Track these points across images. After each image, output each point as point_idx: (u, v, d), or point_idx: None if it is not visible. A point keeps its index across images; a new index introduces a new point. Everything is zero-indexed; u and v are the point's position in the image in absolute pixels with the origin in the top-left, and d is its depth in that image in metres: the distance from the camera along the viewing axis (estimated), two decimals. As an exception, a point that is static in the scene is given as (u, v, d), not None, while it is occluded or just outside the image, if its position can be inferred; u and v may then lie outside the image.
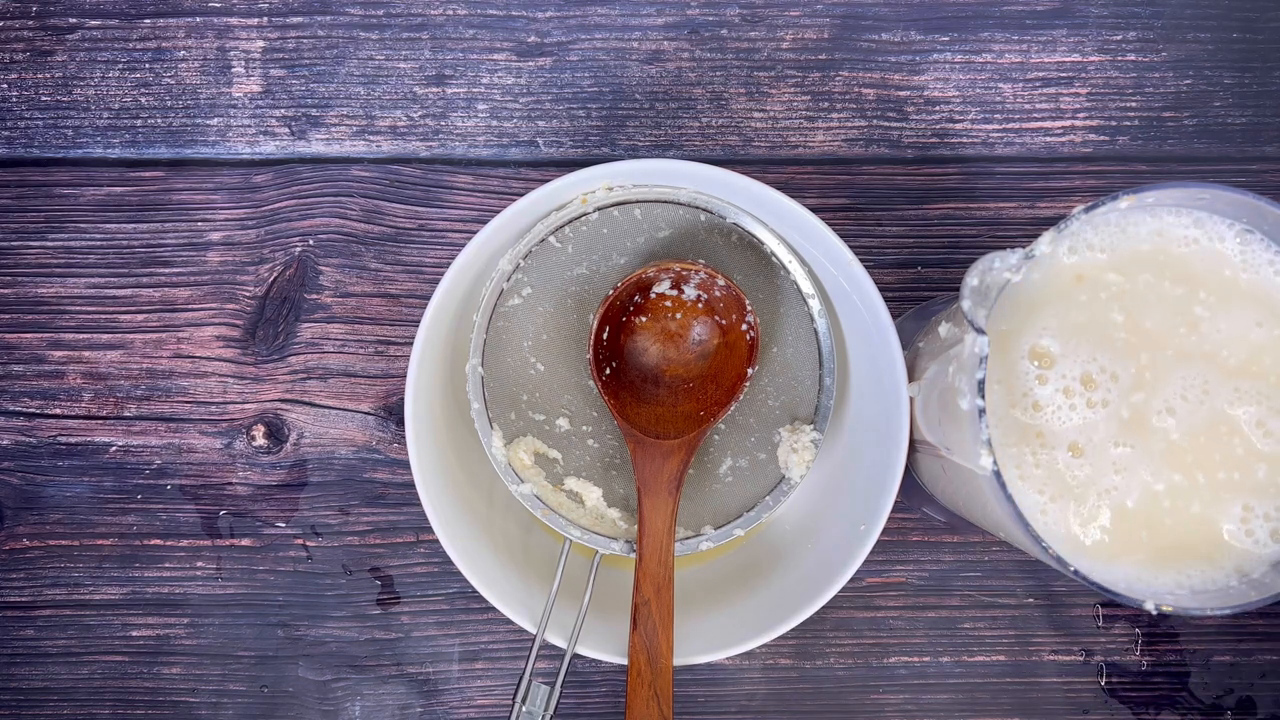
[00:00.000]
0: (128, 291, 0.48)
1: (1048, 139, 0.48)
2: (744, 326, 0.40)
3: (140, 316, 0.48)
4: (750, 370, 0.40)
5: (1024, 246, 0.32)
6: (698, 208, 0.41)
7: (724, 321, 0.41)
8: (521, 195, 0.39)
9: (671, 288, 0.41)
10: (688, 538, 0.41)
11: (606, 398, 0.40)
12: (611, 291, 0.40)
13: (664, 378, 0.42)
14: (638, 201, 0.41)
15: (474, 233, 0.39)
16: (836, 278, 0.41)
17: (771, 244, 0.41)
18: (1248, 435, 0.33)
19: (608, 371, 0.41)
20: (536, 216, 0.40)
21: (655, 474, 0.40)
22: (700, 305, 0.41)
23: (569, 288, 0.41)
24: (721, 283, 0.40)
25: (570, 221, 0.41)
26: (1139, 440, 0.33)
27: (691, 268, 0.40)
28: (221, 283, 0.48)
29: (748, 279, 0.41)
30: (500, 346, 0.41)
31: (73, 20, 0.48)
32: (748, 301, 0.40)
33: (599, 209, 0.41)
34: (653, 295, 0.41)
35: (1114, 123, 0.48)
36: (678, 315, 0.41)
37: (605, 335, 0.41)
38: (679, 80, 0.48)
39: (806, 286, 0.41)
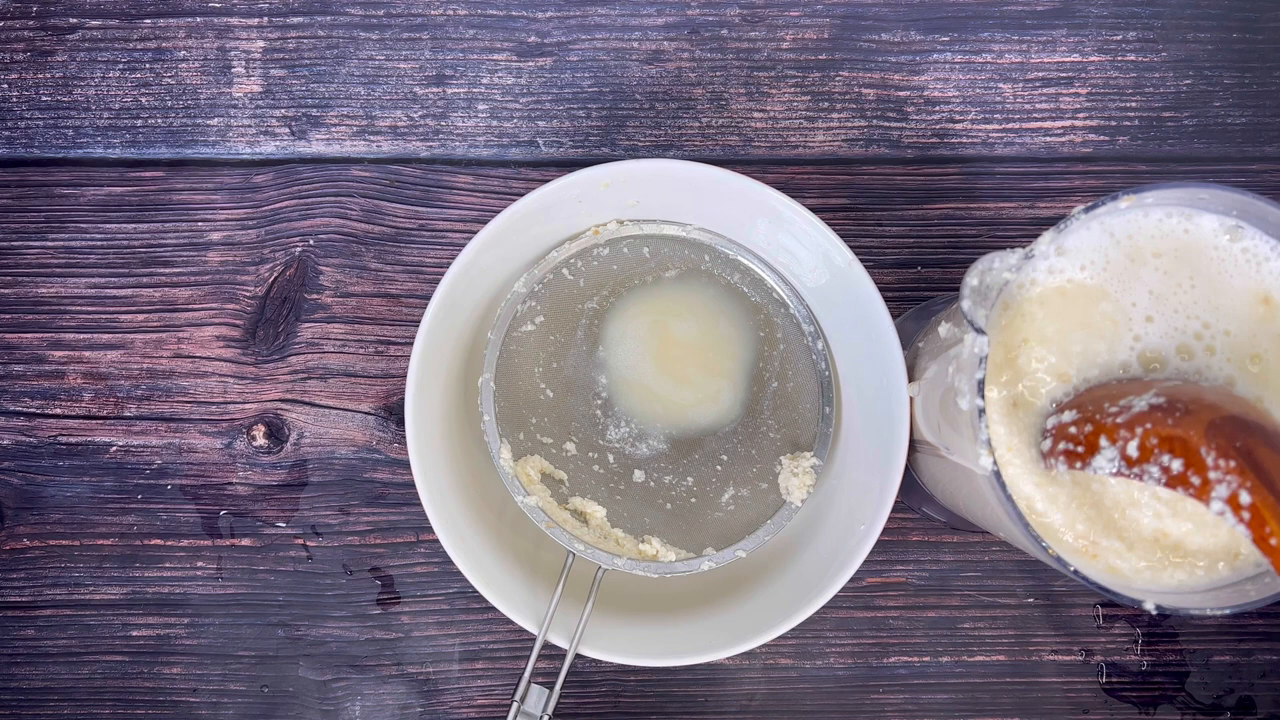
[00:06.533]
0: (128, 291, 0.48)
1: (1048, 139, 0.48)
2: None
3: (140, 316, 0.48)
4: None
5: (1024, 246, 0.33)
6: (701, 244, 0.42)
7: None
8: (521, 195, 0.40)
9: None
10: (688, 559, 0.41)
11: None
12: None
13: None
14: (647, 237, 0.42)
15: (474, 233, 0.40)
16: (836, 278, 0.41)
17: (771, 280, 0.42)
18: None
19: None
20: (541, 220, 0.41)
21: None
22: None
23: (579, 320, 0.42)
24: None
25: (581, 252, 0.42)
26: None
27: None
28: (222, 283, 0.48)
29: (750, 315, 0.43)
30: (512, 370, 0.42)
31: (73, 20, 0.48)
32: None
33: (609, 242, 0.42)
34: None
35: (1114, 123, 0.48)
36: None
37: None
38: (679, 80, 0.48)
39: (807, 326, 0.42)
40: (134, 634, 0.47)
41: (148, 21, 0.48)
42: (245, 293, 0.48)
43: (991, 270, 0.32)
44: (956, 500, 0.38)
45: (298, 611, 0.47)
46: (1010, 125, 0.48)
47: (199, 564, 0.47)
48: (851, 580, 0.40)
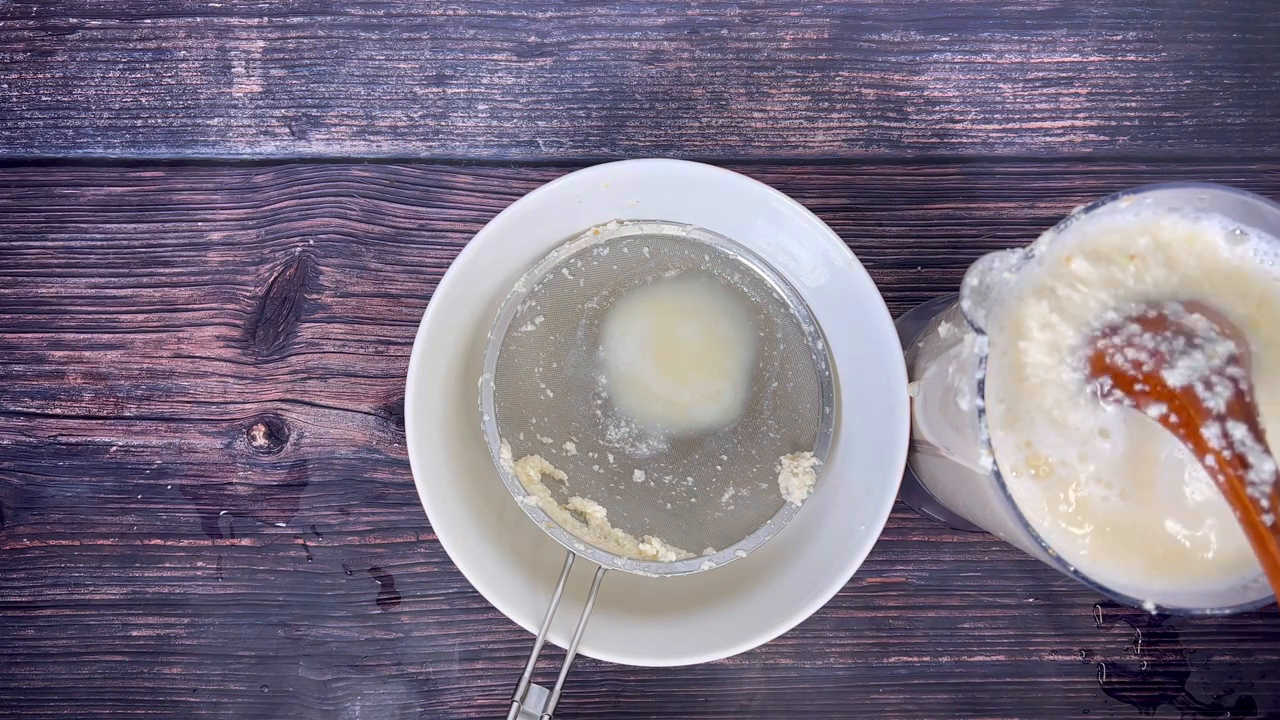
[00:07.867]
0: (128, 291, 0.48)
1: (1048, 139, 0.48)
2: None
3: (140, 316, 0.48)
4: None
5: (1024, 246, 0.33)
6: (701, 244, 0.42)
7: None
8: (521, 195, 0.40)
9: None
10: (688, 559, 0.41)
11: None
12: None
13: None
14: (647, 237, 0.42)
15: (474, 233, 0.40)
16: (835, 278, 0.41)
17: (771, 280, 0.42)
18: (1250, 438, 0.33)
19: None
20: (541, 220, 0.41)
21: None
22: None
23: (579, 320, 0.42)
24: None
25: (581, 252, 0.42)
26: (1141, 437, 0.33)
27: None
28: (222, 283, 0.48)
29: (750, 315, 0.43)
30: (512, 370, 0.42)
31: (73, 20, 0.48)
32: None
33: (609, 242, 0.42)
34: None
35: (1114, 123, 0.48)
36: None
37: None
38: (679, 80, 0.48)
39: (807, 326, 0.42)
40: (134, 634, 0.47)
41: (148, 21, 0.48)
42: (245, 293, 0.48)
43: (991, 270, 0.32)
44: (956, 500, 0.38)
45: (298, 611, 0.47)
46: (1010, 125, 0.48)
47: (199, 564, 0.47)
48: (851, 580, 0.40)
